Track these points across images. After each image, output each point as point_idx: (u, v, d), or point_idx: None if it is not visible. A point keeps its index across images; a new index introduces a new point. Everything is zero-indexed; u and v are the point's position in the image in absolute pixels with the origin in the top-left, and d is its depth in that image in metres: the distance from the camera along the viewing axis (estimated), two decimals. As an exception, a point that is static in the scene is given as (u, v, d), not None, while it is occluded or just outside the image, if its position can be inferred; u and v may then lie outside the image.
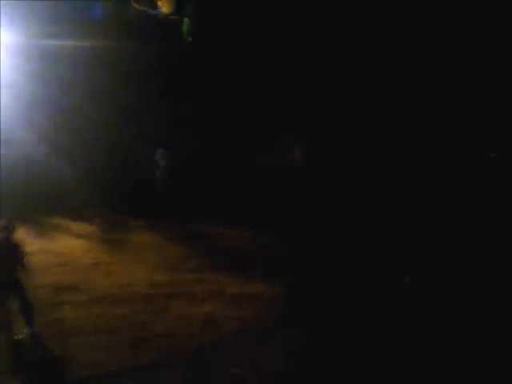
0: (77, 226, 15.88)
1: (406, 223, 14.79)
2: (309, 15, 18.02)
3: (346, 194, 16.64)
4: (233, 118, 18.21)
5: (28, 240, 14.35)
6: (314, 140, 18.22)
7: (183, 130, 18.19)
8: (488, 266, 12.53)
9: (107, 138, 18.16)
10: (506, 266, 12.44)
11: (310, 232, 14.91)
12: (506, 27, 17.80)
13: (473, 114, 17.91)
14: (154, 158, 17.73)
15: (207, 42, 18.24)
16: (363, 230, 14.67)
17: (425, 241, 13.81)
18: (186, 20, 18.64)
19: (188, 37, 18.63)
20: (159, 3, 18.76)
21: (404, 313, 10.54)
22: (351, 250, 13.56)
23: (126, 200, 16.70)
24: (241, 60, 17.94)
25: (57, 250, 13.88)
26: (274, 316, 10.39)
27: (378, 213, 15.51)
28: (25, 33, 17.67)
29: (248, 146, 18.26)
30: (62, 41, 17.96)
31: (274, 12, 17.75)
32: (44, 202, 16.90)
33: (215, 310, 10.56)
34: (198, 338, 9.54)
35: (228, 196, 16.75)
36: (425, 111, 17.98)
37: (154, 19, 18.71)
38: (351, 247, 13.71)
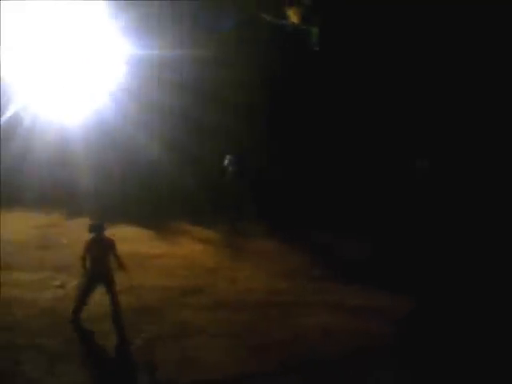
0: (199, 231, 16.27)
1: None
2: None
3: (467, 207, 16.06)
4: (353, 127, 18.00)
5: (153, 244, 15.02)
6: (439, 150, 17.69)
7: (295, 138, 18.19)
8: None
9: (224, 142, 18.48)
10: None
11: (432, 243, 14.43)
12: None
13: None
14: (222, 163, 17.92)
15: (336, 52, 18.11)
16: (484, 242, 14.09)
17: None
18: (314, 30, 18.65)
19: (316, 47, 18.61)
20: (288, 13, 18.91)
21: None
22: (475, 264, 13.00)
23: (245, 206, 16.91)
24: (370, 70, 17.67)
25: (181, 254, 14.27)
26: (395, 332, 10.02)
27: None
28: (148, 43, 18.41)
29: (364, 154, 17.97)
30: (186, 50, 18.55)
31: (410, 23, 17.32)
32: (167, 206, 17.48)
33: (335, 322, 10.34)
34: (317, 349, 9.36)
35: (346, 203, 16.56)
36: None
37: (282, 29, 18.87)
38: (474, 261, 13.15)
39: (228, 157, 17.70)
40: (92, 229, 10.16)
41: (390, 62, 17.74)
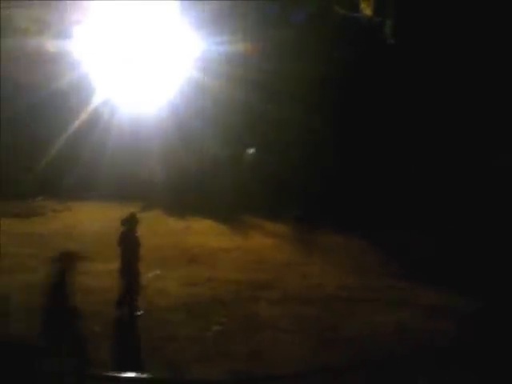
0: (270, 226, 16.35)
1: None
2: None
3: None
4: (428, 122, 17.57)
5: (225, 237, 15.24)
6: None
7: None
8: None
9: (295, 139, 18.43)
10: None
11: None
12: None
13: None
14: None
15: (411, 45, 17.70)
16: None
17: None
18: (388, 22, 18.32)
19: (391, 39, 18.26)
20: (362, 6, 18.69)
21: None
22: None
23: (317, 201, 16.84)
24: (447, 64, 17.17)
25: (251, 248, 14.43)
26: (466, 332, 9.77)
27: None
28: (218, 39, 18.57)
29: (437, 150, 17.51)
30: (256, 45, 18.61)
31: (490, 11, 16.72)
32: (238, 201, 17.63)
33: (406, 319, 10.18)
34: (388, 346, 9.21)
35: (418, 200, 16.25)
36: None
37: (356, 22, 18.63)
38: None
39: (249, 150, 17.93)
40: (123, 222, 10.13)
41: (469, 54, 17.15)
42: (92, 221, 16.29)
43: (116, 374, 8.31)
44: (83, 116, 19.82)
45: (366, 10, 18.71)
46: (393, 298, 11.11)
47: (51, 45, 19.66)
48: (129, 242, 10.01)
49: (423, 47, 17.37)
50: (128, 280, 10.02)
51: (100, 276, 12.06)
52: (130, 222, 10.13)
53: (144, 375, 8.35)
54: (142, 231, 14.50)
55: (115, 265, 12.47)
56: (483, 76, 17.11)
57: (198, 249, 14.14)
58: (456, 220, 15.23)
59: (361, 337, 9.52)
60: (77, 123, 19.77)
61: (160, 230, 15.50)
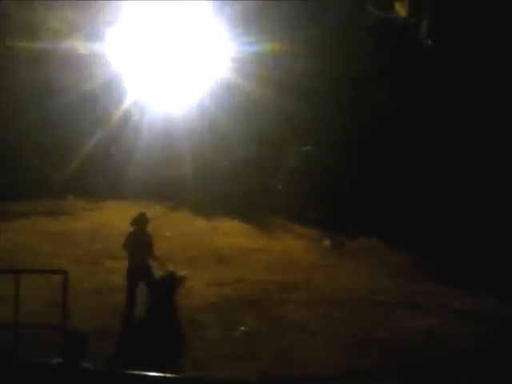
0: (299, 228, 16.19)
1: None
2: None
3: None
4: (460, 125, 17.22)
5: (254, 238, 15.13)
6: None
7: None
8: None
9: (327, 140, 18.24)
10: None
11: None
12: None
13: None
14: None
15: (448, 46, 17.38)
16: None
17: None
18: (423, 23, 18.06)
19: (427, 40, 17.98)
20: (396, 7, 18.45)
21: None
22: None
23: (346, 204, 16.63)
24: (485, 66, 16.79)
25: (280, 249, 14.28)
26: (501, 338, 9.53)
27: None
28: (249, 39, 18.49)
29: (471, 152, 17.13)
30: (290, 44, 18.47)
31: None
32: (266, 202, 17.53)
33: (438, 324, 9.98)
34: (419, 351, 9.00)
35: (450, 203, 15.95)
36: None
37: (390, 23, 18.41)
38: None
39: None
40: (133, 222, 9.83)
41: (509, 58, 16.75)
42: (119, 220, 16.28)
43: (143, 374, 8.22)
44: (114, 116, 19.88)
45: (401, 10, 18.44)
46: (425, 302, 10.96)
47: (83, 46, 19.77)
48: (141, 242, 9.67)
49: (460, 49, 17.00)
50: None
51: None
52: (141, 222, 9.85)
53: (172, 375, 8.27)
54: (169, 231, 14.55)
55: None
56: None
57: (226, 249, 14.03)
58: (489, 223, 14.92)
59: (391, 341, 9.33)
60: (108, 123, 19.84)
61: (187, 230, 15.43)
